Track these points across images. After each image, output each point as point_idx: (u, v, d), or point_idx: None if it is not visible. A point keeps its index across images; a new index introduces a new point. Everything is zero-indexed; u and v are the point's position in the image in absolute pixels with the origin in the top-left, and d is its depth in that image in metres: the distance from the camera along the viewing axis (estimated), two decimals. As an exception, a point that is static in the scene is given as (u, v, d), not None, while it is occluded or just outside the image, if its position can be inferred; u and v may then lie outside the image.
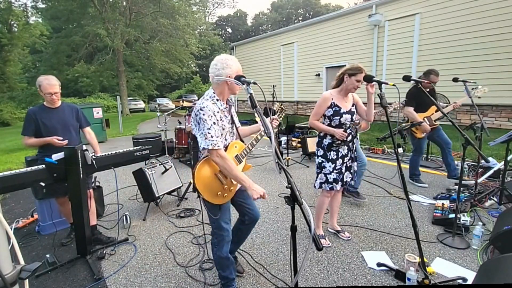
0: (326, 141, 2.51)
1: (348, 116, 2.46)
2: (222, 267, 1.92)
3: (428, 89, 3.68)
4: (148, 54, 20.72)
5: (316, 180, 2.59)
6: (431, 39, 8.10)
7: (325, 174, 2.52)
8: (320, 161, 2.55)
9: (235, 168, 1.67)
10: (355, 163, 2.64)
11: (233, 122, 1.86)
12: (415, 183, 3.98)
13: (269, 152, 6.58)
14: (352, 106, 2.51)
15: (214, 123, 1.66)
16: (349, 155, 2.56)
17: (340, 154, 2.51)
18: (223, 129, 1.75)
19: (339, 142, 2.45)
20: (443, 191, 3.65)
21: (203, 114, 1.65)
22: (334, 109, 2.43)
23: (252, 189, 1.63)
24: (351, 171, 2.60)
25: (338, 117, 2.43)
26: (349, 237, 2.71)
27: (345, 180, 2.57)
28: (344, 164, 2.54)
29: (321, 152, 2.54)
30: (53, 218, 3.02)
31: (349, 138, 2.49)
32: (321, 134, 2.55)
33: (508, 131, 3.04)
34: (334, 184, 2.50)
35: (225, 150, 1.77)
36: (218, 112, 1.71)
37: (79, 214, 2.35)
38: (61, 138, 2.51)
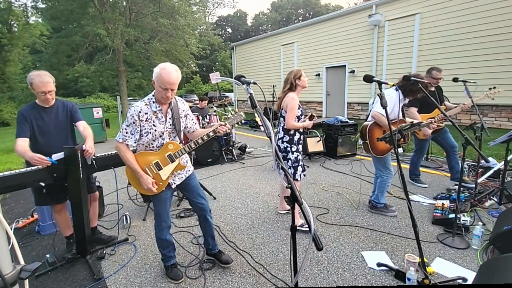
0: (296, 137, 2.87)
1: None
2: (161, 246, 2.22)
3: (433, 87, 3.65)
4: (148, 54, 20.66)
5: (296, 173, 2.86)
6: (431, 39, 8.09)
7: (302, 166, 2.93)
8: (296, 155, 2.87)
9: (131, 161, 1.93)
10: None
11: (173, 123, 2.02)
12: (415, 183, 3.98)
13: (269, 152, 6.58)
14: None
15: (134, 122, 1.90)
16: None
17: (301, 146, 2.96)
18: (155, 129, 1.95)
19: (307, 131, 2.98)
20: (443, 191, 3.64)
21: (129, 113, 1.91)
22: (300, 109, 2.83)
23: (143, 178, 1.92)
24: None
25: (303, 116, 2.88)
26: (303, 224, 2.86)
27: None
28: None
29: (295, 148, 2.87)
30: (53, 218, 3.02)
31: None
32: (291, 132, 2.85)
33: (508, 131, 3.04)
34: (304, 172, 2.99)
35: (159, 148, 2.00)
36: (147, 113, 1.91)
37: (79, 214, 2.35)
38: (44, 161, 2.12)
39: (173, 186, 2.12)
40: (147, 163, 1.97)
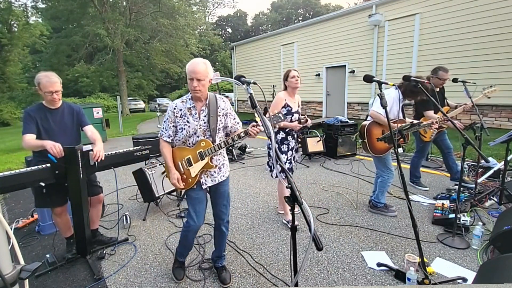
0: (280, 136, 2.93)
1: (297, 115, 2.93)
2: (181, 243, 2.21)
3: (438, 88, 3.64)
4: (148, 54, 20.73)
5: (272, 171, 2.99)
6: (431, 39, 8.09)
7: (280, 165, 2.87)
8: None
9: (166, 155, 2.03)
10: (297, 154, 3.11)
11: (208, 121, 1.99)
12: (415, 186, 3.94)
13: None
14: (298, 107, 2.98)
15: (168, 118, 2.01)
16: (295, 147, 3.04)
17: (290, 147, 2.96)
18: (188, 126, 1.98)
19: (293, 133, 2.97)
20: (443, 191, 3.65)
21: (167, 110, 2.05)
22: (287, 109, 2.86)
23: (171, 173, 1.98)
24: (295, 159, 3.10)
25: (291, 116, 2.88)
26: (289, 220, 2.91)
27: (293, 169, 3.09)
28: (292, 155, 3.01)
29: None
30: (53, 218, 3.02)
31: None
32: (275, 130, 2.87)
33: (508, 131, 3.04)
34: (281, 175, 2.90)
35: (193, 145, 2.01)
36: (181, 109, 1.98)
37: (79, 214, 2.35)
38: (57, 148, 2.13)
39: (204, 187, 2.05)
40: (182, 157, 2.02)
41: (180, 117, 1.97)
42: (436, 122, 3.10)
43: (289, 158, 2.96)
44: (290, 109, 2.87)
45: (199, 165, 1.99)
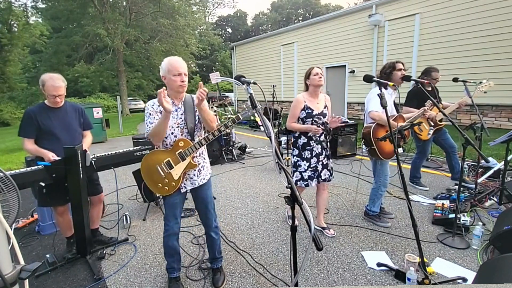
0: (301, 141, 2.69)
1: (321, 117, 2.65)
2: (166, 253, 2.09)
3: (430, 88, 3.63)
4: (148, 54, 20.69)
5: (307, 180, 2.70)
6: (431, 39, 8.10)
7: (300, 172, 2.70)
8: (295, 160, 2.73)
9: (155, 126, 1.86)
10: (331, 160, 2.80)
11: (185, 119, 1.94)
12: (415, 186, 3.94)
13: (269, 152, 6.58)
14: (324, 108, 2.69)
15: (150, 113, 1.88)
16: (323, 154, 2.72)
17: (314, 153, 2.68)
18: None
19: (315, 139, 2.65)
20: (443, 191, 3.65)
21: (145, 110, 1.94)
22: (307, 111, 2.61)
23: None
24: (328, 168, 2.76)
25: (311, 119, 2.61)
26: (334, 234, 2.78)
27: (323, 177, 2.73)
28: (320, 162, 2.70)
29: (296, 152, 2.73)
30: (53, 218, 3.02)
31: (322, 137, 2.68)
32: (296, 135, 2.72)
33: (508, 131, 3.03)
34: (309, 181, 2.68)
35: (172, 146, 1.91)
36: (159, 106, 1.83)
37: (79, 214, 2.35)
38: (55, 158, 2.24)
39: (183, 191, 2.00)
40: (159, 161, 1.88)
41: (160, 113, 1.85)
42: (426, 111, 3.08)
43: (313, 165, 2.66)
44: (310, 111, 2.59)
45: (181, 167, 1.89)
